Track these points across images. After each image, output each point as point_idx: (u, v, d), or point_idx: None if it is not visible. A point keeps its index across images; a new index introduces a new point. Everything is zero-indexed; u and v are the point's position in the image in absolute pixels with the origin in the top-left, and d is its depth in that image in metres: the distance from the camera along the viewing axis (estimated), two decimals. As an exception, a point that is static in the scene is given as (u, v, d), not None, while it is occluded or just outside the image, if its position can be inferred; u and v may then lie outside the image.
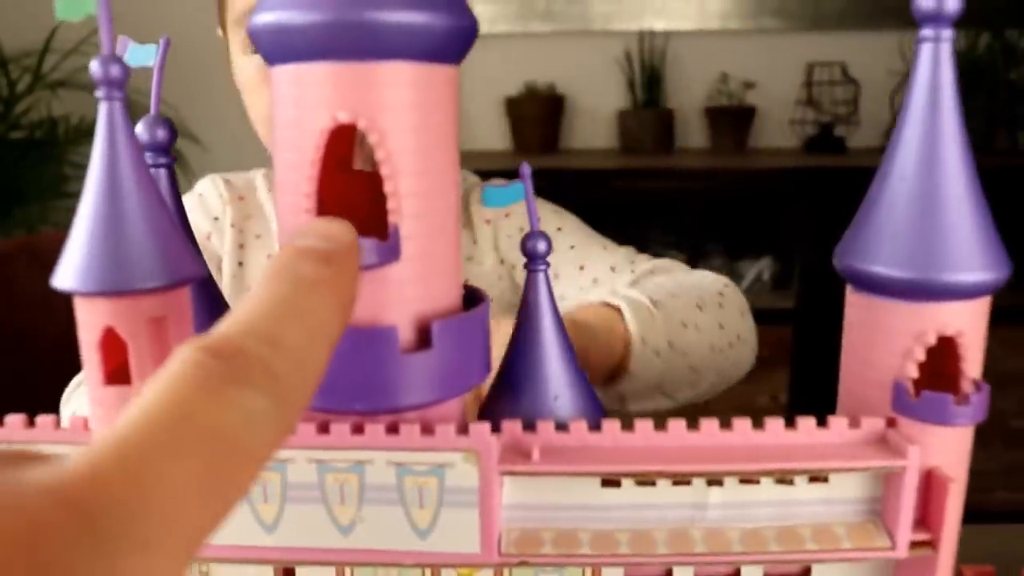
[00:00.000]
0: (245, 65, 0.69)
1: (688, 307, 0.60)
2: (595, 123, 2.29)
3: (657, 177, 2.10)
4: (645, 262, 0.70)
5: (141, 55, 0.32)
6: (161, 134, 0.32)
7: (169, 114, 1.37)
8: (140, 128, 0.33)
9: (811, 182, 2.01)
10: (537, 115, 2.19)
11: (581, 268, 0.71)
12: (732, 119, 2.26)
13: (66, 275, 0.25)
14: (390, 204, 0.25)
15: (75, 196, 1.86)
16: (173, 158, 0.33)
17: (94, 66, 0.26)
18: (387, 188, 0.25)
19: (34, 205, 1.87)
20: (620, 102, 2.26)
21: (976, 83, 2.15)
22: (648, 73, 2.22)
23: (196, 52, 2.19)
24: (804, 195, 2.01)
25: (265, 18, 0.25)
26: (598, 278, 0.69)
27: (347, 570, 0.29)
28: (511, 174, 0.84)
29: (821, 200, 1.98)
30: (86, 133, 1.91)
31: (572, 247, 0.73)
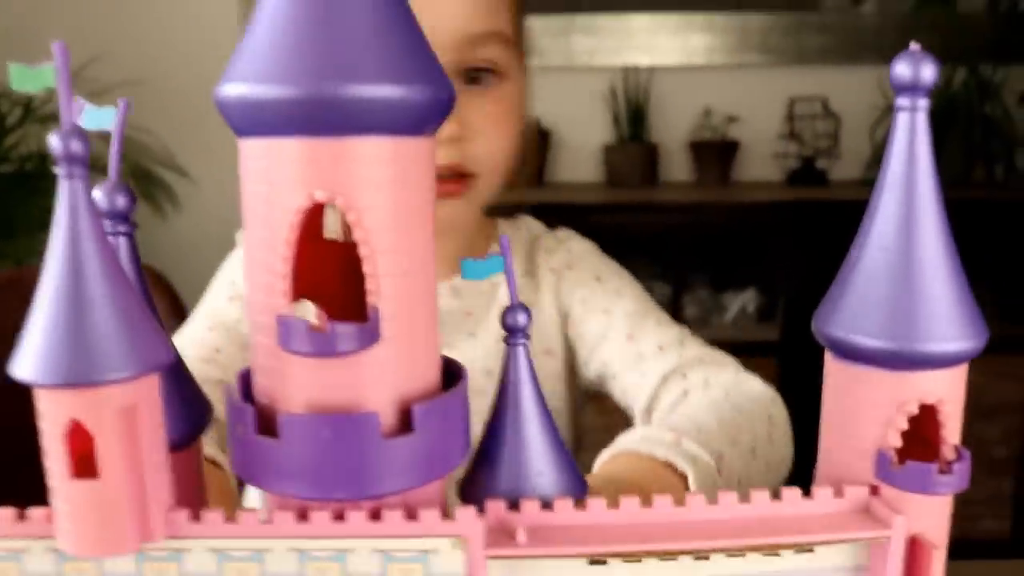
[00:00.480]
0: None
1: (744, 456, 0.57)
2: (580, 157, 2.31)
3: (642, 210, 2.11)
4: (694, 347, 0.68)
5: (99, 118, 0.31)
6: (121, 201, 0.31)
7: (157, 147, 1.40)
8: (98, 195, 0.31)
9: (794, 214, 2.03)
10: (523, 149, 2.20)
11: (630, 337, 0.69)
12: (716, 153, 2.27)
13: (26, 365, 0.24)
14: (369, 285, 0.24)
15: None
16: (133, 226, 0.31)
17: (53, 142, 0.25)
18: (366, 269, 0.24)
19: (21, 238, 1.85)
20: (605, 136, 2.27)
21: (952, 117, 2.18)
22: (633, 108, 2.24)
23: (185, 85, 2.20)
24: (787, 227, 2.02)
25: (234, 90, 0.25)
26: (644, 353, 0.67)
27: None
28: (501, 207, 0.81)
29: (804, 232, 1.99)
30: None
31: (628, 314, 0.71)
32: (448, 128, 0.62)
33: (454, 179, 0.66)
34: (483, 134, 0.67)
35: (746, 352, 0.76)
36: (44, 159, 1.94)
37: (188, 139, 2.10)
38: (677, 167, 2.33)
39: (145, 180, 1.81)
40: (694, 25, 2.31)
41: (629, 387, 0.67)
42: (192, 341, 0.68)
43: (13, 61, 0.26)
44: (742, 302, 2.07)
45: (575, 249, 0.77)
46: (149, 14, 2.22)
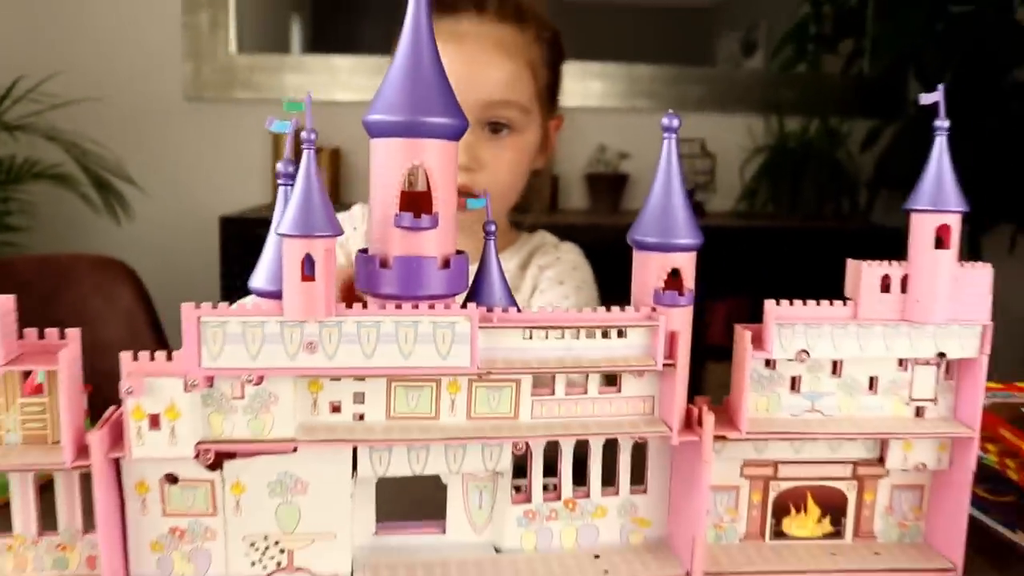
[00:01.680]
0: None
1: None
2: (492, 183, 2.68)
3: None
4: None
5: (281, 126, 0.63)
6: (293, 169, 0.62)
7: (107, 157, 1.84)
8: (280, 168, 0.62)
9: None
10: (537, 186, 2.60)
11: None
12: (609, 184, 2.67)
13: (287, 226, 0.55)
14: (434, 199, 0.57)
15: (15, 230, 2.12)
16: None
17: (303, 135, 0.57)
18: (434, 194, 0.57)
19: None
20: (513, 165, 2.64)
21: (807, 161, 2.64)
22: (538, 142, 2.62)
23: (135, 103, 2.47)
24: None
25: (374, 117, 0.58)
26: None
27: (394, 385, 0.61)
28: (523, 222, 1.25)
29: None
30: (29, 173, 2.13)
31: None
32: (462, 158, 0.99)
33: (463, 197, 1.03)
34: (489, 170, 1.04)
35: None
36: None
37: (136, 151, 2.37)
38: (575, 196, 2.72)
39: (103, 189, 2.06)
40: (591, 72, 2.72)
41: None
42: None
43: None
44: (628, 310, 2.46)
45: (564, 258, 1.15)
46: (103, 37, 2.48)
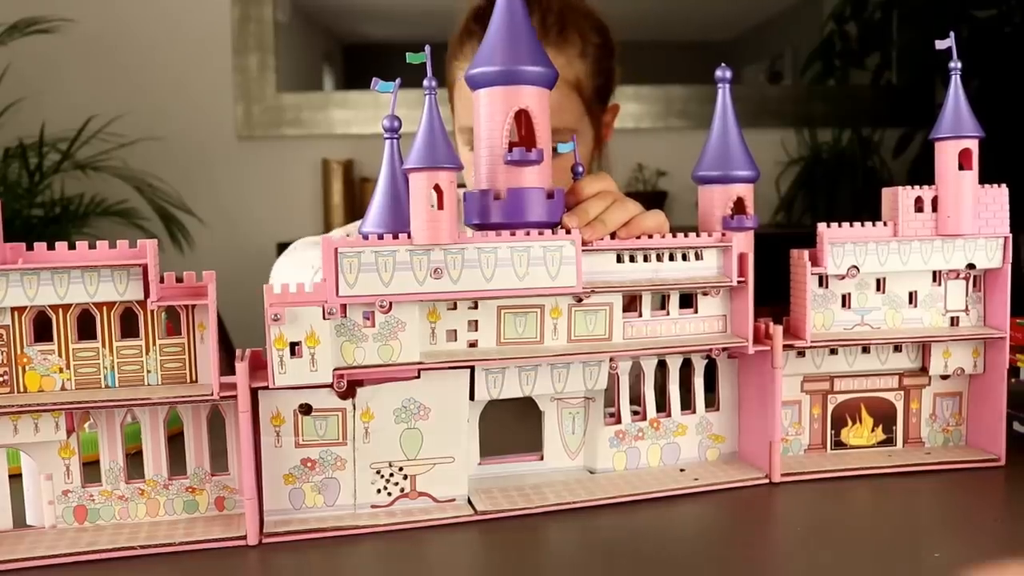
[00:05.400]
0: (464, 154, 1.14)
1: None
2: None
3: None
4: None
5: (385, 86, 0.74)
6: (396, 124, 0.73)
7: (170, 192, 2.06)
8: (386, 123, 0.75)
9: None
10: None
11: None
12: (647, 201, 2.78)
13: (413, 161, 0.66)
14: (537, 138, 0.71)
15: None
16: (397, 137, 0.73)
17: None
18: (536, 133, 0.71)
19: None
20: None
21: (841, 169, 2.77)
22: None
23: (191, 142, 2.66)
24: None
25: (477, 69, 0.71)
26: None
27: (503, 312, 0.73)
28: None
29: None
30: (95, 210, 2.30)
31: None
32: None
33: None
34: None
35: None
36: (68, 204, 2.33)
37: (198, 189, 2.56)
38: (616, 213, 2.86)
39: (168, 221, 2.23)
40: (627, 95, 2.88)
41: None
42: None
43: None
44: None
45: None
46: (163, 82, 2.69)
